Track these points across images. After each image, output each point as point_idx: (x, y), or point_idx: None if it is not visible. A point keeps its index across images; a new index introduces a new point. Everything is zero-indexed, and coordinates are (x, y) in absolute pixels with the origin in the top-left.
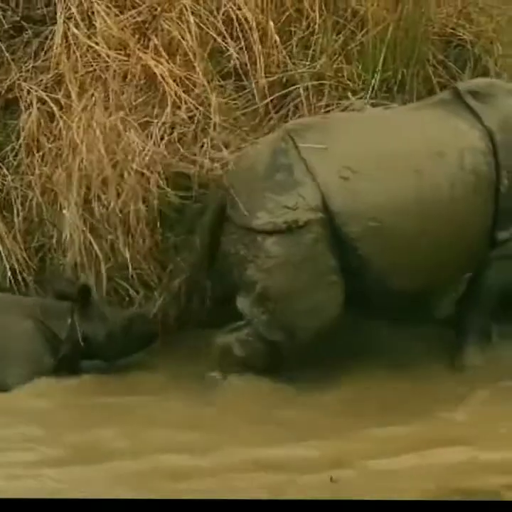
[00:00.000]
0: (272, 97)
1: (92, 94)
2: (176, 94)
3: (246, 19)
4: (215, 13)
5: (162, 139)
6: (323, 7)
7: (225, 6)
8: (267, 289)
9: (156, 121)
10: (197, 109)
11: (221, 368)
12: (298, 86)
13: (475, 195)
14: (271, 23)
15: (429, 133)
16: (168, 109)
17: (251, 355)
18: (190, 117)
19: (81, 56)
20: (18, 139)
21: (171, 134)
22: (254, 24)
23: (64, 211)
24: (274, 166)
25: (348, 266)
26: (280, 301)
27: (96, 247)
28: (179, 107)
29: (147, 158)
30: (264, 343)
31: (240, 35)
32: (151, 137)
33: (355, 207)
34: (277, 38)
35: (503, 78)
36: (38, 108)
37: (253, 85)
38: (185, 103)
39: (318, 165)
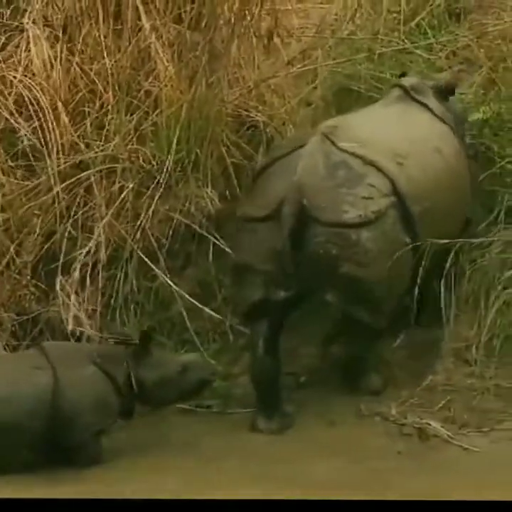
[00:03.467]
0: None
1: None
2: None
3: (36, 100)
4: (6, 93)
5: None
6: (117, 88)
7: (16, 86)
8: (369, 283)
9: None
10: None
11: None
12: (90, 171)
13: (466, 171)
14: (59, 104)
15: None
16: None
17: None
18: None
19: None
20: None
21: None
22: (46, 104)
23: None
24: (329, 165)
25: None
26: (383, 291)
27: None
28: None
29: None
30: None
31: (34, 116)
32: None
33: (414, 188)
34: (66, 120)
35: None
36: None
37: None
38: None
39: (375, 155)
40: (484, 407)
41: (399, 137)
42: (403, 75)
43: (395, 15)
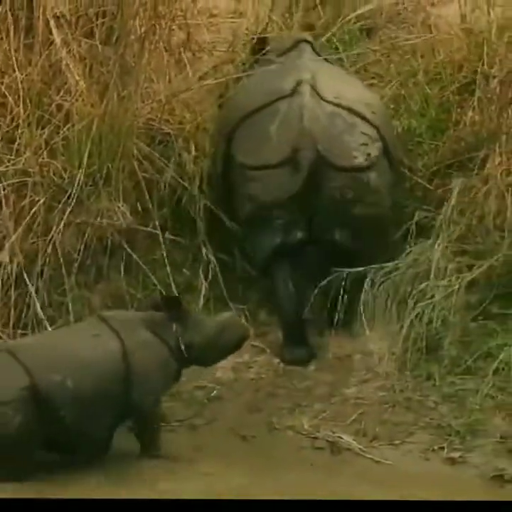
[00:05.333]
0: None
1: None
2: None
3: None
4: None
5: None
6: (28, 101)
7: None
8: (376, 219)
9: None
10: None
11: None
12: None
13: None
14: None
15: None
16: None
17: None
18: None
19: None
20: None
21: None
22: None
23: None
24: (326, 114)
25: None
26: (386, 225)
27: None
28: None
29: None
30: None
31: None
32: None
33: (389, 135)
34: None
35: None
36: None
37: None
38: None
39: (357, 106)
40: (395, 419)
41: (357, 89)
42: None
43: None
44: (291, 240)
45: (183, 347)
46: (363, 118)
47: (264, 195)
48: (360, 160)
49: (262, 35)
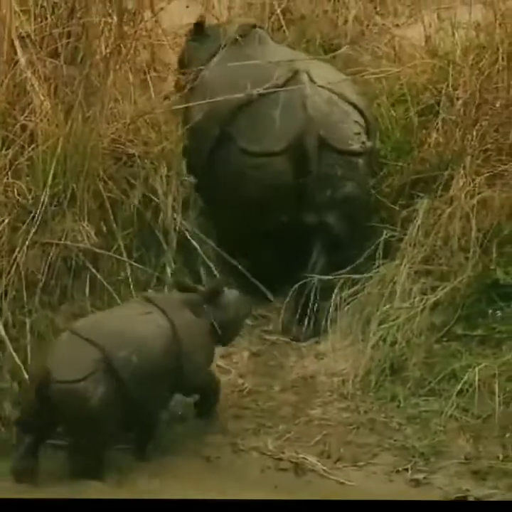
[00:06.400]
0: None
1: None
2: None
3: None
4: None
5: None
6: None
7: None
8: (360, 200)
9: None
10: None
11: None
12: None
13: None
14: None
15: None
16: None
17: None
18: None
19: None
20: None
21: None
22: None
23: None
24: (324, 101)
25: None
26: (369, 211)
27: None
28: None
29: None
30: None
31: None
32: None
33: (372, 125)
34: None
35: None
36: None
37: None
38: None
39: (347, 93)
40: (360, 441)
41: (338, 74)
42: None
43: None
44: (281, 221)
45: (217, 326)
46: (354, 106)
47: (267, 180)
48: (355, 146)
49: (200, 20)
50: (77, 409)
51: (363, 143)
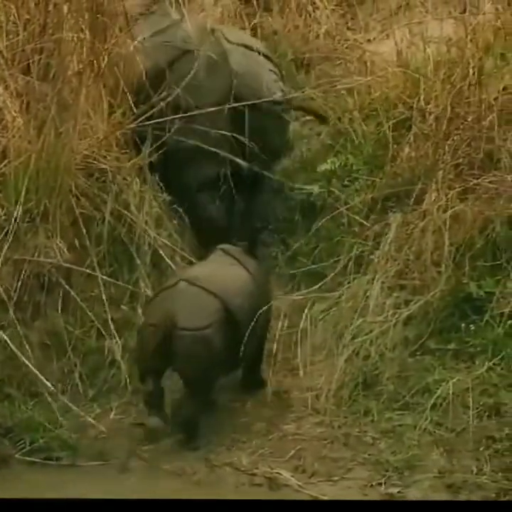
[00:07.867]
0: None
1: None
2: None
3: None
4: None
5: None
6: None
7: None
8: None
9: None
10: None
11: None
12: None
13: None
14: None
15: None
16: None
17: None
18: None
19: None
20: None
21: None
22: None
23: None
24: (240, 54)
25: None
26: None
27: None
28: None
29: None
30: None
31: None
32: None
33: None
34: None
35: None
36: None
37: None
38: None
39: (258, 45)
40: (334, 455)
41: (243, 34)
42: None
43: None
44: (220, 171)
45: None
46: (265, 55)
47: (204, 131)
48: (279, 94)
49: None
50: (200, 355)
51: (282, 90)
